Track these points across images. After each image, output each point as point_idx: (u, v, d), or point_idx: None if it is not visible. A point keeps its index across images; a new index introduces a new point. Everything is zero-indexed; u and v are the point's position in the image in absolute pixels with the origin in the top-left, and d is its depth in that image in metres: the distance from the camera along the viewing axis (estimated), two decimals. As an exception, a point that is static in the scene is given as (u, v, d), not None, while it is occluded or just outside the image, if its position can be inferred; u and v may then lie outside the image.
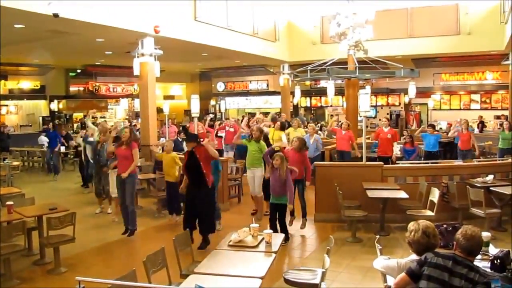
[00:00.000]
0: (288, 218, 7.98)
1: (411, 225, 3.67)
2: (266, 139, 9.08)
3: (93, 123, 12.29)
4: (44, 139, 15.45)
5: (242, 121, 13.53)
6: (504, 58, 16.39)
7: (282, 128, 11.35)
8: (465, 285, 3.20)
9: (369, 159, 10.69)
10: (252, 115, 14.98)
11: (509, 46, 14.56)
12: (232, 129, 12.18)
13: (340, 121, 13.65)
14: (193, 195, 7.18)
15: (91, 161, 10.45)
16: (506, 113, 18.34)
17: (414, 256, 3.63)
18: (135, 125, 14.52)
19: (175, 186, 8.61)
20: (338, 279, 5.97)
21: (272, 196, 7.32)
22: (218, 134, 12.66)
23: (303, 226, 8.16)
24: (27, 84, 20.02)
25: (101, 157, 9.60)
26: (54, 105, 21.37)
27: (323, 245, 7.02)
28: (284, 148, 8.58)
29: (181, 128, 17.16)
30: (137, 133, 12.52)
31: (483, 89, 21.27)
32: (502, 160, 10.53)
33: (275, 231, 7.09)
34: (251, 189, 8.86)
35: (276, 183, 7.18)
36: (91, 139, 10.93)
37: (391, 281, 3.96)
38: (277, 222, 7.24)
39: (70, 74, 21.60)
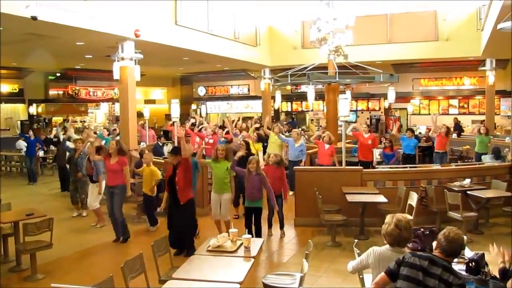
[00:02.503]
0: (278, 231, 8.21)
1: (387, 218, 3.86)
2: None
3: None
4: (22, 144, 15.24)
5: (222, 125, 13.44)
6: (481, 64, 16.69)
7: (260, 140, 11.33)
8: (439, 286, 3.25)
9: (349, 163, 10.77)
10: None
11: (486, 53, 14.86)
12: (211, 140, 11.59)
13: (320, 126, 13.73)
14: (173, 213, 7.10)
15: (67, 167, 10.42)
16: (483, 117, 18.67)
17: (388, 245, 3.82)
18: (114, 129, 14.35)
19: (150, 199, 8.57)
20: (317, 283, 6.00)
21: (247, 201, 7.37)
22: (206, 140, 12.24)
23: (283, 235, 8.24)
24: (5, 87, 19.67)
25: (78, 166, 9.54)
26: (33, 109, 21.06)
27: (302, 250, 7.03)
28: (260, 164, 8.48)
29: (161, 133, 17.10)
30: (118, 137, 12.48)
31: (461, 94, 21.62)
32: (480, 164, 10.71)
33: (251, 235, 7.13)
34: (213, 213, 7.71)
35: (254, 188, 7.21)
36: (69, 144, 10.92)
37: (368, 282, 4.03)
38: (253, 226, 7.30)
39: (50, 77, 21.30)
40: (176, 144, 10.32)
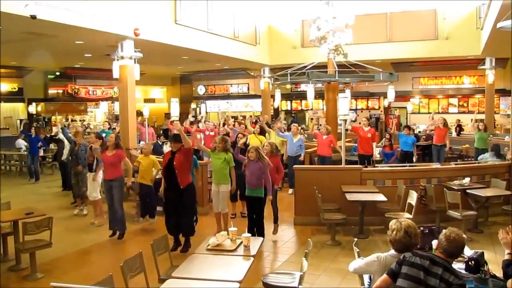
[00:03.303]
0: (271, 226, 8.02)
1: (393, 224, 3.77)
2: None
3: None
4: (22, 143, 15.22)
5: (223, 123, 13.43)
6: (481, 63, 16.68)
7: (262, 132, 11.38)
8: (440, 285, 3.27)
9: (348, 162, 10.78)
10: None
11: (485, 51, 14.86)
12: (212, 133, 11.85)
13: (320, 124, 13.75)
14: (172, 198, 7.12)
15: (65, 161, 10.49)
16: (483, 116, 18.67)
17: (393, 251, 3.75)
18: (114, 128, 14.35)
19: (149, 189, 8.58)
20: (317, 282, 6.00)
21: (247, 189, 7.29)
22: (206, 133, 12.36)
23: (275, 231, 8.07)
24: (4, 86, 19.66)
25: (79, 158, 9.57)
26: (33, 108, 21.05)
27: (302, 249, 7.03)
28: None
29: (161, 132, 17.09)
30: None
31: (461, 93, 21.63)
32: (479, 163, 10.72)
33: (253, 226, 7.11)
34: (214, 205, 7.91)
35: (252, 175, 7.16)
36: (61, 136, 11.09)
37: (366, 281, 4.03)
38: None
39: (49, 76, 21.29)
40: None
